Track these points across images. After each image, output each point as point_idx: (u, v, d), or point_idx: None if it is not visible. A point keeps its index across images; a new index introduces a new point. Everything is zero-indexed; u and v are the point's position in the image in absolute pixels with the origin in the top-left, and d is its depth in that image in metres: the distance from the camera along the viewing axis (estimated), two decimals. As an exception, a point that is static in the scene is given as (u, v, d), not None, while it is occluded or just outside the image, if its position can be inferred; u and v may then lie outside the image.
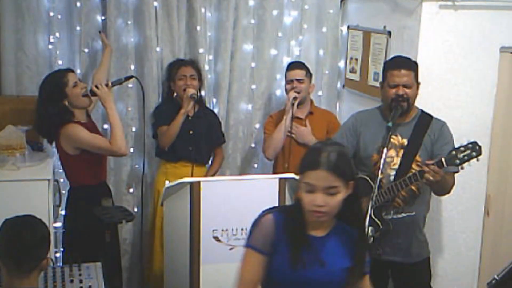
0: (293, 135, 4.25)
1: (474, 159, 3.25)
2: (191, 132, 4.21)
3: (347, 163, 2.34)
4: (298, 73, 4.27)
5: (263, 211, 2.45)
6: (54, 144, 3.86)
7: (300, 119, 4.31)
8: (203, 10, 4.38)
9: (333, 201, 2.29)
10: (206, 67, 4.47)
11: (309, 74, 4.34)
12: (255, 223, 2.40)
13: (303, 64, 4.39)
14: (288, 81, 4.28)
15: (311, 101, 4.42)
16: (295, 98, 4.18)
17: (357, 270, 2.42)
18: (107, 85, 3.78)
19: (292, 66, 4.35)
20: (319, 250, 2.37)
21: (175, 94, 4.29)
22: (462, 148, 3.25)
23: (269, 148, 4.27)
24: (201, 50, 4.43)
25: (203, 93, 4.44)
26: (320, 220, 2.34)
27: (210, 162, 4.48)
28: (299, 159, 4.18)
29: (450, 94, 4.04)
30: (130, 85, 4.37)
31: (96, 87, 3.74)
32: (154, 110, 4.30)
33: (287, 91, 4.28)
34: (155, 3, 4.31)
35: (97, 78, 4.04)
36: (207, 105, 4.55)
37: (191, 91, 4.10)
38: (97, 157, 3.81)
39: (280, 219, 2.38)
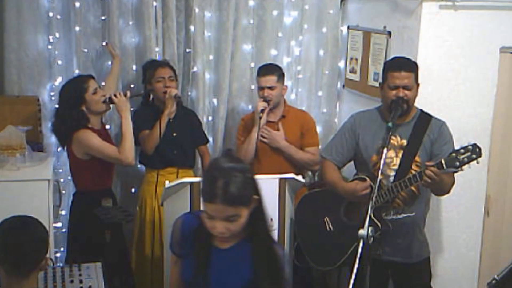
0: (265, 140, 4.17)
1: (474, 162, 3.24)
2: (174, 134, 4.13)
3: (247, 185, 2.22)
4: (269, 80, 4.14)
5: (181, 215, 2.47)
6: (66, 148, 3.90)
7: (273, 122, 4.23)
8: (197, 10, 4.37)
9: (235, 226, 2.23)
10: (200, 67, 4.45)
11: (281, 77, 4.21)
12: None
13: (275, 67, 4.25)
14: (259, 88, 4.18)
15: (285, 102, 4.32)
16: (262, 111, 4.10)
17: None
18: (125, 94, 3.83)
19: (262, 71, 4.20)
20: (217, 264, 2.33)
21: (151, 96, 4.18)
22: (462, 150, 3.24)
23: (242, 158, 4.14)
24: (195, 51, 4.41)
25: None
26: (224, 240, 2.31)
27: (199, 164, 4.44)
28: (272, 163, 4.14)
29: (450, 94, 4.04)
30: (132, 85, 4.38)
31: (115, 95, 3.80)
32: (133, 114, 4.16)
33: (259, 97, 4.20)
34: (155, 3, 4.31)
35: (107, 87, 4.07)
36: (207, 106, 4.55)
37: (174, 91, 4.05)
38: (105, 165, 3.84)
39: (190, 223, 2.37)
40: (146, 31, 4.31)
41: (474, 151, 3.23)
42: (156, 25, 4.34)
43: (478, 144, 3.25)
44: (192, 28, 4.38)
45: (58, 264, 3.85)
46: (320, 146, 4.44)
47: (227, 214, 2.19)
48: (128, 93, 3.87)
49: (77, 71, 4.22)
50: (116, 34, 4.28)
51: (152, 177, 4.15)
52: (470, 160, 3.23)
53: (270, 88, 4.14)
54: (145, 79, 4.24)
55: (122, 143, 3.77)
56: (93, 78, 3.88)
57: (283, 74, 4.26)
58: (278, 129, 4.22)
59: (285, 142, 4.20)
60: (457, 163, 3.24)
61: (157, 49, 4.37)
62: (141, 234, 4.24)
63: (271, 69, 4.21)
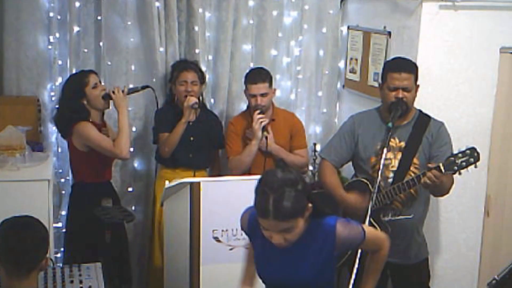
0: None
1: (472, 166, 3.24)
2: (192, 139, 4.14)
3: (299, 198, 2.26)
4: (261, 88, 4.04)
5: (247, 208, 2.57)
6: (67, 139, 3.94)
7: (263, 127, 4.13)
8: (200, 10, 4.37)
9: (292, 235, 2.31)
10: (204, 67, 4.43)
11: (271, 81, 4.14)
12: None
13: (265, 72, 4.15)
14: (251, 95, 4.07)
15: (273, 105, 4.24)
16: (264, 128, 3.99)
17: None
18: (123, 91, 3.92)
19: (253, 79, 4.08)
20: (284, 252, 2.40)
21: (175, 98, 4.20)
22: (460, 154, 3.24)
23: (236, 169, 4.08)
24: (197, 51, 4.40)
25: (204, 94, 4.40)
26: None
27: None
28: (263, 166, 4.03)
29: (450, 94, 4.04)
30: (131, 85, 4.37)
31: (113, 91, 3.89)
32: (155, 113, 4.23)
33: (249, 103, 4.13)
34: (157, 4, 4.30)
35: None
36: (207, 105, 4.55)
37: (192, 100, 4.03)
38: (104, 157, 3.89)
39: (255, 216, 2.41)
40: (150, 31, 4.29)
41: (472, 155, 3.23)
42: (159, 26, 4.34)
43: (476, 148, 3.24)
44: (196, 28, 4.36)
45: (58, 264, 3.85)
46: (319, 146, 4.43)
47: (282, 228, 2.26)
48: (126, 89, 3.95)
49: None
50: (117, 34, 4.28)
51: (166, 174, 4.15)
52: (468, 164, 3.24)
53: (263, 95, 4.07)
54: (172, 78, 4.25)
55: (117, 137, 3.85)
56: (94, 73, 3.96)
57: (271, 78, 4.19)
58: (268, 133, 4.11)
59: (276, 145, 4.15)
60: (455, 167, 3.24)
61: (161, 49, 4.36)
62: (153, 230, 4.27)
63: (262, 75, 4.10)
